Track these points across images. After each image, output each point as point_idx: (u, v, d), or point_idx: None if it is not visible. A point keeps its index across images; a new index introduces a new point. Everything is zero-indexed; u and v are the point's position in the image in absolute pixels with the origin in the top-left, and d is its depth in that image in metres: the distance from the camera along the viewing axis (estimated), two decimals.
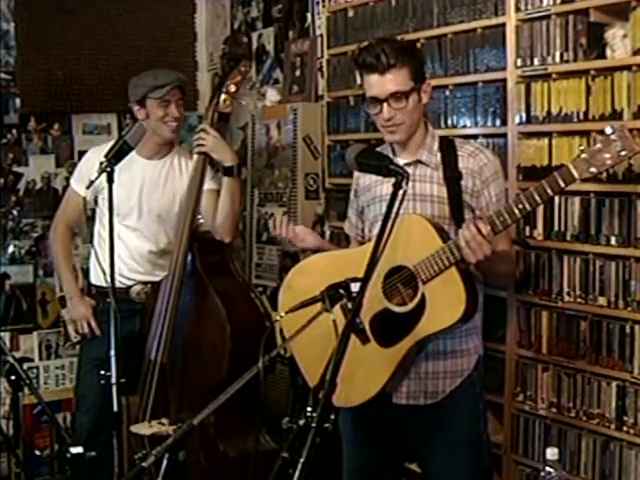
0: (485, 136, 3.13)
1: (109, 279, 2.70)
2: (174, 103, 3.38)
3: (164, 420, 2.91)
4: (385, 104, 2.43)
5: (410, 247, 2.35)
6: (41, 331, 4.65)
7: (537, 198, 2.21)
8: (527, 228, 2.99)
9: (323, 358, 2.04)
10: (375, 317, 2.41)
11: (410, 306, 2.37)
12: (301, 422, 1.89)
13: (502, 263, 2.46)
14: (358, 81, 3.61)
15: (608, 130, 2.13)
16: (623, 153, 2.12)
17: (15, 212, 4.63)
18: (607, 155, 2.13)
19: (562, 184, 2.18)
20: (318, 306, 2.20)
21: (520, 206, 2.23)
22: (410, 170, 2.45)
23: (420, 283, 2.34)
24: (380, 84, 2.42)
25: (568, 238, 2.87)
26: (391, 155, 2.53)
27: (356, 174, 2.71)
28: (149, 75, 3.40)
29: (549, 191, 2.19)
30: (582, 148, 2.18)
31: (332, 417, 1.87)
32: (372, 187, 2.62)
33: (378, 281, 2.38)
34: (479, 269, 2.36)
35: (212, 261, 3.31)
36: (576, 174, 2.16)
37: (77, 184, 3.49)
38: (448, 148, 2.53)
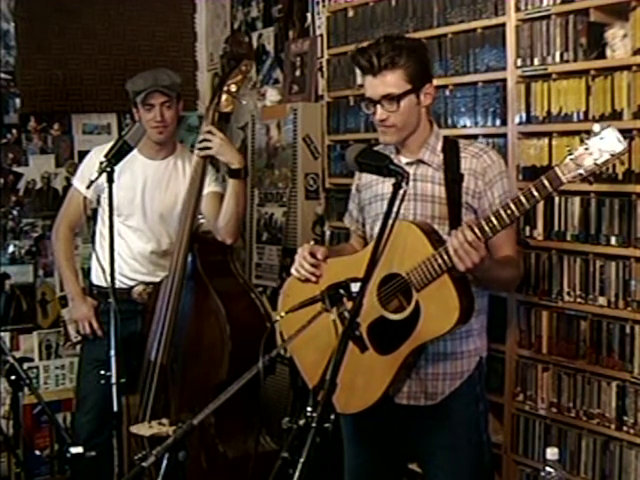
0: (485, 136, 3.13)
1: (109, 279, 2.71)
2: (157, 106, 3.37)
3: (164, 420, 2.91)
4: (378, 105, 2.42)
5: (402, 254, 2.33)
6: (41, 331, 4.66)
7: (525, 203, 2.18)
8: (527, 228, 2.99)
9: (322, 358, 2.04)
10: (372, 325, 2.40)
11: (405, 314, 2.36)
12: (301, 422, 1.88)
13: (502, 269, 2.44)
14: (358, 81, 3.67)
15: (596, 129, 2.09)
16: (612, 153, 2.06)
17: (15, 212, 4.63)
18: (595, 156, 2.08)
19: (549, 188, 2.14)
20: (317, 307, 2.20)
21: (509, 211, 2.20)
22: (411, 169, 2.45)
23: (414, 291, 2.33)
24: (373, 86, 2.42)
25: (568, 238, 2.87)
26: (394, 153, 2.52)
27: None
28: (133, 80, 3.44)
29: (537, 195, 2.16)
30: (569, 149, 2.15)
31: (332, 417, 1.87)
32: (373, 185, 2.62)
33: (373, 289, 2.36)
34: (474, 276, 2.33)
35: (213, 262, 3.31)
36: (563, 177, 2.12)
37: (79, 184, 3.49)
38: (452, 149, 2.51)
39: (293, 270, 2.58)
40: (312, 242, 2.75)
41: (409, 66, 2.41)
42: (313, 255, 2.54)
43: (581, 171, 2.10)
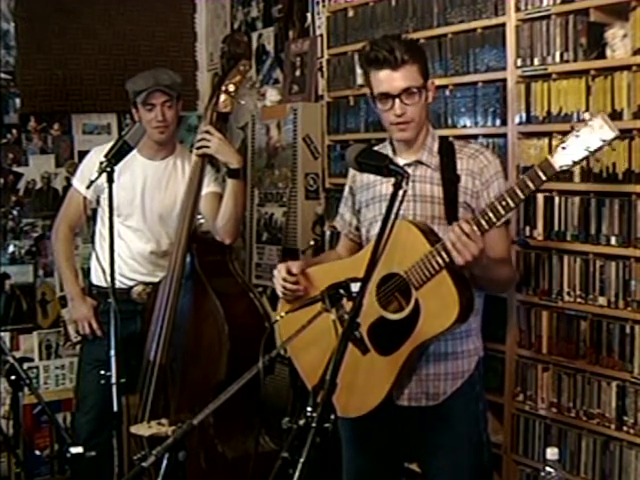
0: (485, 136, 3.13)
1: (109, 279, 2.71)
2: (159, 106, 3.37)
3: (163, 420, 2.91)
4: (397, 100, 2.42)
5: (400, 253, 2.33)
6: (41, 331, 4.66)
7: (520, 193, 2.19)
8: (527, 228, 2.99)
9: (322, 359, 2.03)
10: (372, 326, 2.40)
11: (404, 313, 2.36)
12: (301, 422, 1.88)
13: (500, 268, 2.44)
14: (358, 81, 3.66)
15: (587, 117, 2.11)
16: (603, 139, 2.08)
17: (15, 212, 4.63)
18: (586, 144, 2.09)
19: (543, 177, 2.16)
20: (317, 307, 2.20)
21: (504, 203, 2.21)
22: (410, 170, 2.44)
23: (413, 289, 2.33)
24: (392, 79, 2.41)
25: (568, 238, 2.87)
26: (391, 155, 2.52)
27: (352, 171, 2.69)
28: (134, 80, 3.44)
29: (531, 185, 2.17)
30: (561, 138, 2.16)
31: (332, 417, 1.87)
32: (371, 186, 2.61)
33: (372, 289, 2.36)
34: (473, 274, 2.33)
35: (211, 262, 3.30)
36: (556, 166, 2.13)
37: (79, 184, 3.49)
38: (447, 150, 2.52)
39: (279, 294, 2.60)
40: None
41: (421, 61, 2.45)
42: (290, 273, 2.55)
43: (573, 159, 2.12)
